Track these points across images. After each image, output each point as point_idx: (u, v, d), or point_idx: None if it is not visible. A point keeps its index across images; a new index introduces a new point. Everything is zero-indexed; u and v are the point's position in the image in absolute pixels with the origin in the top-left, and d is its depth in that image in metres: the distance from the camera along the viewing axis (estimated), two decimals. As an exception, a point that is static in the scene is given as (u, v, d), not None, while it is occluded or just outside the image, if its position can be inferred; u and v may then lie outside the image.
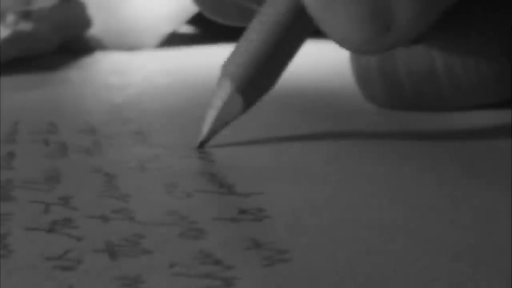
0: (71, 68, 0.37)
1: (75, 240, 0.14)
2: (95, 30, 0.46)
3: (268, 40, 0.20)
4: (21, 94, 0.31)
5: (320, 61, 0.30)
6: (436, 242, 0.14)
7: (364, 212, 0.15)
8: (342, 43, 0.20)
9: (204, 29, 0.51)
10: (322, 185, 0.17)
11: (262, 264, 0.13)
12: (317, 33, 0.21)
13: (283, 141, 0.22)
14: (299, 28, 0.20)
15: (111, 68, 0.37)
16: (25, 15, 0.40)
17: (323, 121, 0.24)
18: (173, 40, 0.46)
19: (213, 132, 0.21)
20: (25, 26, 0.39)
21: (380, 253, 0.13)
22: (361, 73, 0.25)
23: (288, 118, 0.25)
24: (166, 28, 0.46)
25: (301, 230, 0.15)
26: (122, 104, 0.27)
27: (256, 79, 0.20)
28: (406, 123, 0.23)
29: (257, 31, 0.20)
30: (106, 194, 0.17)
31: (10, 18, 0.40)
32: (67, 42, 0.43)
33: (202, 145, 0.21)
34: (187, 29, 0.52)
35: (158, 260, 0.13)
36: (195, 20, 0.47)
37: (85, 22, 0.45)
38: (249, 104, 0.21)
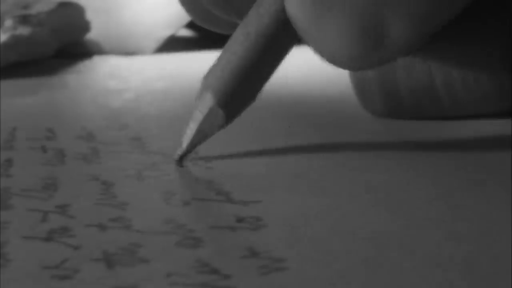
0: (69, 73, 0.37)
1: (72, 249, 0.14)
2: (94, 34, 0.46)
3: (251, 53, 0.20)
4: (19, 99, 0.31)
5: (318, 69, 0.30)
6: (431, 253, 0.14)
7: (360, 222, 0.16)
8: (329, 59, 0.19)
9: (203, 33, 0.51)
10: (319, 194, 0.18)
11: (259, 273, 0.13)
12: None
13: (280, 149, 0.22)
14: (283, 40, 0.20)
15: (109, 73, 0.37)
16: (24, 19, 0.40)
17: (321, 130, 0.24)
18: (172, 44, 0.46)
19: (193, 146, 0.20)
20: (23, 30, 0.39)
21: (376, 264, 0.13)
22: (359, 83, 0.25)
23: (285, 126, 0.25)
24: (164, 32, 0.46)
25: (298, 239, 0.15)
26: (119, 109, 0.28)
27: (238, 92, 0.20)
28: (405, 132, 0.23)
29: (240, 43, 0.20)
30: (104, 202, 0.17)
31: (8, 22, 0.40)
32: (65, 46, 0.43)
33: (181, 159, 0.20)
34: (185, 33, 0.53)
35: (155, 269, 0.13)
36: (194, 24, 0.47)
37: (84, 26, 0.45)
38: (230, 118, 0.20)
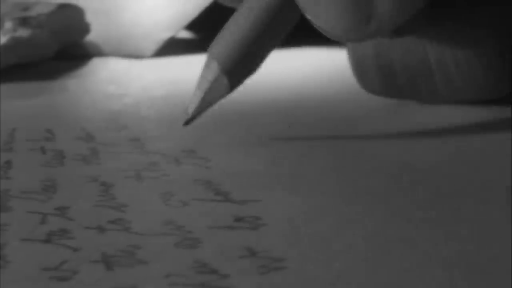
0: (69, 77, 0.37)
1: (71, 251, 0.14)
2: (93, 36, 0.46)
3: (254, 26, 0.21)
4: (19, 101, 0.31)
5: (319, 68, 0.30)
6: (431, 253, 0.14)
7: (359, 222, 0.16)
8: (326, 31, 0.20)
9: (203, 34, 0.51)
10: (319, 193, 0.18)
11: (258, 272, 0.13)
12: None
13: (279, 148, 0.22)
14: (285, 15, 0.21)
15: (109, 77, 0.37)
16: (23, 21, 0.40)
17: (321, 129, 0.24)
18: (172, 46, 0.46)
19: (199, 111, 0.22)
20: (23, 32, 0.39)
21: (376, 264, 0.13)
22: (356, 62, 0.26)
23: (285, 125, 0.25)
24: (164, 34, 0.46)
25: (297, 238, 0.15)
26: (119, 111, 0.28)
27: (241, 61, 0.21)
28: (406, 130, 0.23)
29: (245, 16, 0.21)
30: (103, 204, 0.17)
31: (8, 24, 0.40)
32: (65, 48, 0.43)
33: (187, 123, 0.22)
34: (185, 34, 0.53)
35: (154, 270, 0.13)
36: (194, 25, 0.47)
37: (83, 28, 0.45)
38: (234, 86, 0.21)
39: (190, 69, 0.37)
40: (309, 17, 0.20)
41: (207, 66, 0.21)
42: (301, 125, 0.25)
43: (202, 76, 0.21)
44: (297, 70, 0.32)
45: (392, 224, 0.15)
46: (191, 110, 0.22)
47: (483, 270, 0.13)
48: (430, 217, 0.16)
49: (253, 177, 0.19)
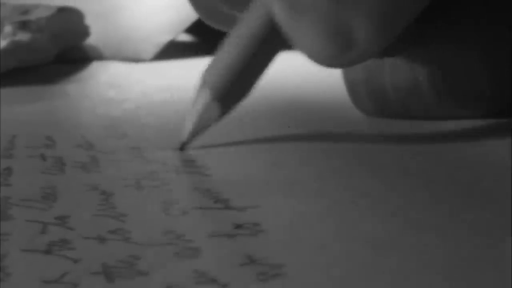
0: (69, 81, 0.37)
1: (72, 262, 0.14)
2: (93, 39, 0.46)
3: (243, 53, 0.22)
4: (19, 107, 0.31)
5: (316, 74, 0.30)
6: (430, 258, 0.14)
7: (358, 227, 0.16)
8: (310, 57, 0.21)
9: (202, 37, 0.51)
10: (317, 199, 0.18)
11: (257, 279, 0.13)
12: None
13: (278, 154, 0.22)
14: (273, 42, 0.22)
15: (109, 81, 0.37)
16: (23, 25, 0.40)
17: (319, 134, 0.24)
18: (171, 49, 0.46)
19: (193, 135, 0.23)
20: (23, 36, 0.40)
21: (374, 269, 0.13)
22: (350, 84, 0.26)
23: (283, 131, 0.25)
24: (164, 38, 0.46)
25: (296, 244, 0.15)
26: (119, 118, 0.28)
27: (232, 88, 0.22)
28: (402, 137, 0.23)
29: (234, 44, 0.22)
30: (103, 213, 0.17)
31: (8, 28, 0.40)
32: (65, 51, 0.43)
33: (182, 147, 0.23)
34: (185, 38, 0.53)
35: (154, 281, 0.13)
36: (193, 29, 0.47)
37: (83, 31, 0.45)
38: (225, 111, 0.22)
39: (190, 73, 0.37)
40: (294, 45, 0.21)
41: (199, 93, 0.22)
42: (299, 130, 0.25)
43: (195, 103, 0.22)
44: (296, 74, 0.32)
45: (390, 229, 0.15)
46: (185, 134, 0.23)
47: (482, 274, 0.13)
48: (427, 222, 0.16)
49: (252, 183, 0.19)
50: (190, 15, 0.45)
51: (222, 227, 0.16)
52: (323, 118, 0.27)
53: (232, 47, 0.22)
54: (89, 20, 0.46)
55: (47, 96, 0.34)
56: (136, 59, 0.45)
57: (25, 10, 0.43)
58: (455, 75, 0.24)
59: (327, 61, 0.21)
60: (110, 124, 0.27)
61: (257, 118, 0.27)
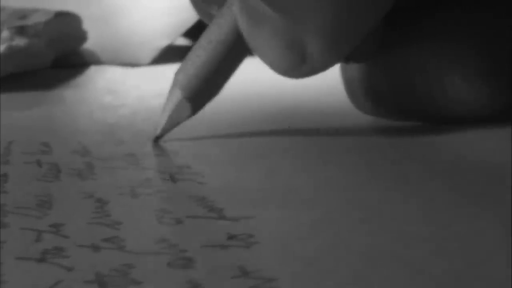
0: (66, 86, 0.38)
1: (66, 270, 0.14)
2: (90, 44, 0.46)
3: (212, 57, 0.24)
4: (16, 112, 0.31)
5: (313, 81, 0.30)
6: (423, 270, 0.14)
7: (352, 238, 0.16)
8: (271, 68, 0.22)
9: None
10: (312, 209, 0.18)
11: (250, 292, 0.13)
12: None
13: (274, 163, 0.22)
14: (240, 47, 0.23)
15: (106, 86, 0.38)
16: (20, 30, 0.40)
17: (315, 143, 0.24)
18: (169, 53, 0.46)
19: (165, 131, 0.25)
20: (20, 41, 0.40)
21: (367, 281, 0.14)
22: (348, 83, 0.27)
23: (280, 140, 0.25)
24: (161, 42, 0.46)
25: (289, 256, 0.15)
26: (115, 124, 0.28)
27: (202, 89, 0.24)
28: (399, 145, 0.24)
29: (204, 48, 0.24)
30: (97, 221, 0.17)
31: (5, 33, 0.40)
32: (62, 56, 0.43)
33: (156, 141, 0.25)
34: (183, 42, 0.53)
35: (147, 290, 0.13)
36: (191, 32, 0.47)
37: (81, 36, 0.45)
38: (196, 110, 0.24)
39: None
40: (255, 54, 0.22)
41: (171, 92, 0.24)
42: (296, 138, 0.25)
43: (168, 101, 0.24)
44: (294, 82, 0.32)
45: (384, 241, 0.15)
46: (158, 129, 0.25)
47: (474, 287, 0.13)
48: (421, 233, 0.16)
49: (247, 193, 0.19)
50: (187, 19, 0.45)
51: (216, 238, 0.16)
52: (322, 127, 0.27)
53: (202, 50, 0.24)
54: (86, 25, 0.46)
55: (44, 101, 0.34)
56: (134, 64, 0.45)
57: (23, 14, 0.43)
58: (449, 76, 0.24)
59: (284, 73, 0.22)
60: (107, 130, 0.27)
61: (253, 125, 0.27)
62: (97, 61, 0.45)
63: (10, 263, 0.15)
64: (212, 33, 0.24)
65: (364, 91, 0.26)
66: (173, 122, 0.25)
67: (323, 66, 0.22)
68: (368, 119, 0.27)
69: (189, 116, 0.24)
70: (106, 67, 0.44)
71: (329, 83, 0.28)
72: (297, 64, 0.22)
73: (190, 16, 0.45)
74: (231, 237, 0.16)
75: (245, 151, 0.24)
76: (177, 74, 0.24)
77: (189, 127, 0.25)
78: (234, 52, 0.24)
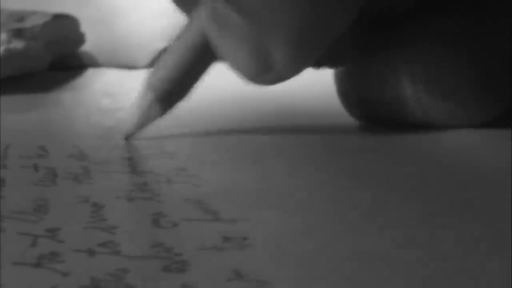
0: (63, 89, 0.38)
1: (61, 275, 0.14)
2: (88, 46, 0.46)
3: (182, 61, 0.25)
4: (14, 116, 0.31)
5: (308, 85, 0.30)
6: (417, 273, 0.14)
7: (346, 241, 0.16)
8: (238, 74, 0.23)
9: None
10: (306, 212, 0.18)
11: (244, 295, 0.13)
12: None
13: (269, 165, 0.22)
14: (208, 52, 0.24)
15: (103, 89, 0.38)
16: (18, 33, 0.40)
17: (310, 146, 0.24)
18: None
19: (136, 130, 0.26)
20: (18, 44, 0.40)
21: (361, 284, 0.14)
22: (341, 90, 0.27)
23: (275, 142, 0.25)
24: (159, 44, 0.46)
25: (283, 259, 0.15)
26: (112, 128, 0.28)
27: (171, 91, 0.25)
28: (394, 148, 0.24)
29: (174, 52, 0.25)
30: (93, 225, 0.17)
31: (3, 36, 0.40)
32: (59, 59, 0.43)
33: (127, 138, 0.26)
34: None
35: (142, 295, 0.13)
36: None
37: (78, 39, 0.46)
38: (165, 110, 0.26)
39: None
40: (223, 59, 0.23)
41: (143, 94, 0.26)
42: (292, 140, 0.25)
43: (139, 102, 0.26)
44: (289, 84, 0.32)
45: (377, 243, 0.16)
46: (129, 128, 0.26)
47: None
48: (414, 236, 0.16)
49: (242, 195, 0.19)
50: (184, 22, 0.45)
51: (211, 240, 0.16)
52: (317, 129, 0.27)
53: (173, 54, 0.25)
54: (84, 27, 0.46)
55: (41, 104, 0.34)
56: (131, 66, 0.45)
57: (21, 17, 0.43)
58: (438, 84, 0.24)
59: (251, 79, 0.22)
60: (104, 134, 0.27)
61: (250, 128, 0.27)
62: (95, 64, 0.46)
63: (7, 268, 0.15)
64: (183, 38, 0.25)
65: (356, 100, 0.26)
66: (143, 122, 0.26)
67: (289, 74, 0.22)
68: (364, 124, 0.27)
69: (159, 116, 0.26)
70: (104, 70, 0.44)
71: (324, 85, 0.28)
72: (263, 71, 0.22)
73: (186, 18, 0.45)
74: (226, 239, 0.16)
75: (241, 153, 0.24)
76: (149, 76, 0.26)
77: (186, 130, 0.25)
78: (203, 57, 0.25)
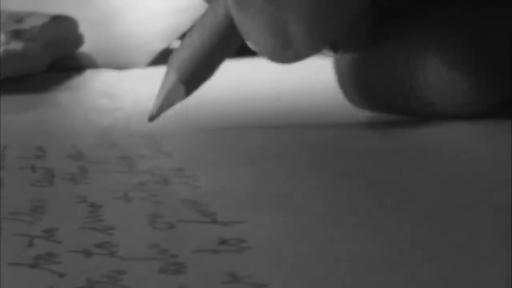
0: (61, 90, 0.38)
1: (58, 276, 0.14)
2: (87, 47, 0.46)
3: (206, 42, 0.25)
4: (12, 116, 0.31)
5: (310, 82, 0.30)
6: (415, 276, 0.14)
7: (343, 244, 0.16)
8: (258, 52, 0.23)
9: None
10: (303, 215, 0.18)
11: (240, 298, 0.13)
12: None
13: (267, 167, 0.22)
14: (232, 34, 0.24)
15: (101, 90, 0.38)
16: (17, 34, 0.40)
17: (308, 149, 0.24)
18: (166, 57, 0.46)
19: (160, 111, 0.26)
20: (16, 45, 0.40)
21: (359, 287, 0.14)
22: (340, 79, 0.27)
23: (274, 144, 0.25)
24: (158, 45, 0.46)
25: (280, 262, 0.15)
26: (110, 127, 0.28)
27: (195, 72, 0.25)
28: (392, 149, 0.24)
29: (198, 33, 0.25)
30: (90, 226, 0.17)
31: (2, 37, 0.40)
32: (58, 60, 0.43)
33: (151, 120, 0.26)
34: (179, 45, 0.53)
35: (138, 296, 0.13)
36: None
37: (77, 40, 0.46)
38: (189, 91, 0.25)
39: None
40: (245, 39, 0.23)
41: (167, 74, 0.25)
42: (291, 143, 0.25)
43: (163, 82, 0.26)
44: (289, 83, 0.33)
45: (375, 246, 0.16)
46: (154, 109, 0.26)
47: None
48: (412, 239, 0.16)
49: (240, 197, 0.19)
50: (184, 22, 0.45)
51: (207, 242, 0.16)
52: (315, 124, 0.27)
53: (197, 35, 0.25)
54: (83, 28, 0.46)
55: (39, 105, 0.34)
56: (130, 67, 0.45)
57: (20, 18, 0.43)
58: (436, 72, 0.24)
59: (272, 57, 0.23)
60: (102, 134, 0.27)
61: (248, 129, 0.27)
62: (93, 65, 0.46)
63: (3, 269, 0.15)
64: (206, 19, 0.25)
65: (355, 84, 0.26)
66: (168, 103, 0.26)
67: (307, 51, 0.23)
68: (361, 123, 0.27)
69: (183, 98, 0.26)
70: (102, 71, 0.44)
71: (323, 87, 0.28)
72: (283, 48, 0.22)
73: (186, 19, 0.45)
74: (222, 242, 0.16)
75: (239, 154, 0.24)
76: (172, 57, 0.25)
77: (183, 130, 0.25)
78: (227, 38, 0.24)
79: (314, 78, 0.28)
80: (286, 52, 0.22)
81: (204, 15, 0.25)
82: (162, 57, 0.46)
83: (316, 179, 0.21)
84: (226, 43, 0.25)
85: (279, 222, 0.17)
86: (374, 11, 0.25)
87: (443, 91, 0.24)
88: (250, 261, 0.15)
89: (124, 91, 0.37)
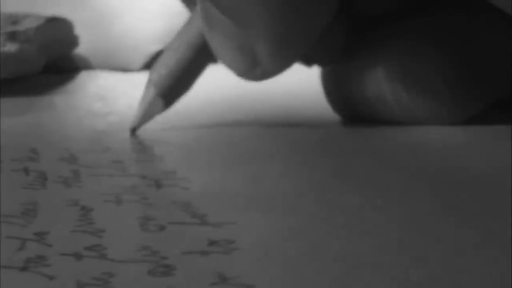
0: (56, 92, 0.38)
1: (47, 279, 0.14)
2: (82, 49, 0.46)
3: (183, 57, 0.26)
4: (6, 118, 0.31)
5: (300, 88, 0.30)
6: (403, 277, 0.14)
7: (332, 245, 0.16)
8: (229, 70, 0.24)
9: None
10: (294, 215, 0.18)
11: (228, 300, 0.13)
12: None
13: (259, 168, 0.22)
14: (207, 49, 0.25)
15: (96, 93, 0.38)
16: (12, 36, 0.41)
17: (299, 149, 0.24)
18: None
19: (140, 124, 0.27)
20: (11, 47, 0.40)
21: (347, 288, 0.14)
22: (326, 88, 0.28)
23: (265, 145, 0.25)
24: (153, 47, 0.46)
25: (269, 263, 0.15)
26: (103, 131, 0.28)
27: (173, 86, 0.26)
28: (383, 150, 0.24)
29: (174, 50, 0.26)
30: (81, 229, 0.17)
31: (-3, 39, 0.40)
32: (53, 61, 0.43)
33: (132, 132, 0.27)
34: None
35: (127, 299, 0.14)
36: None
37: (72, 41, 0.46)
38: (168, 105, 0.27)
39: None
40: (217, 59, 0.24)
41: (146, 88, 0.27)
42: (282, 144, 0.25)
43: (143, 96, 0.27)
44: (281, 86, 0.33)
45: (364, 246, 0.16)
46: (134, 122, 0.27)
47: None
48: (402, 239, 0.16)
49: (230, 198, 0.19)
50: (179, 24, 0.45)
51: (197, 244, 0.16)
52: (307, 125, 0.27)
53: (173, 51, 0.26)
54: (78, 30, 0.46)
55: (34, 107, 0.34)
56: (125, 69, 0.45)
57: (15, 20, 0.44)
58: (417, 83, 0.24)
59: (241, 75, 0.23)
60: (95, 137, 0.27)
61: (240, 130, 0.27)
62: (89, 66, 0.46)
63: (-7, 272, 0.15)
64: (183, 36, 0.26)
65: (338, 97, 0.27)
66: (147, 116, 0.27)
67: (275, 70, 0.23)
68: (352, 124, 0.27)
69: (162, 111, 0.27)
70: (97, 73, 0.44)
71: (313, 87, 0.28)
72: (251, 67, 0.23)
73: (181, 21, 0.45)
74: (212, 243, 0.16)
75: (230, 156, 0.24)
76: (151, 73, 0.27)
77: (175, 133, 0.25)
78: (202, 54, 0.26)
79: (305, 79, 0.28)
80: (254, 71, 0.23)
81: (180, 32, 0.26)
82: (156, 59, 0.46)
83: (306, 180, 0.21)
84: (202, 57, 0.26)
85: (268, 222, 0.17)
86: (348, 24, 0.25)
87: (423, 104, 0.25)
88: (239, 262, 0.15)
89: (117, 95, 0.37)
